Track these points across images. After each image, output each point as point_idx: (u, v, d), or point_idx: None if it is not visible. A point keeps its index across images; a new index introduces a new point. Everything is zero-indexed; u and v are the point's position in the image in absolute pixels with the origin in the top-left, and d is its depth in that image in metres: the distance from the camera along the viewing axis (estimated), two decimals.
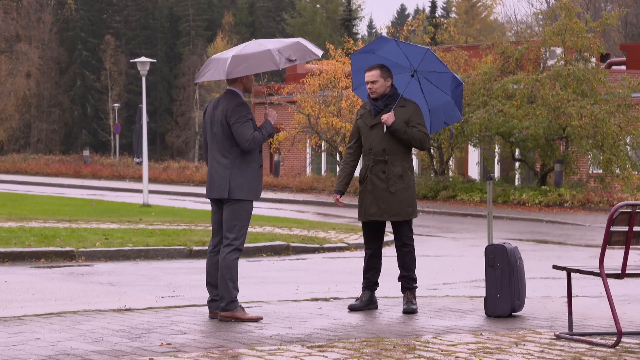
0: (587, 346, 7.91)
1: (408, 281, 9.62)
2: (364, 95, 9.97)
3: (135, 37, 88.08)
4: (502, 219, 25.76)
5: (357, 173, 9.80)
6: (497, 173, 38.34)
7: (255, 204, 9.16)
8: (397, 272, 9.71)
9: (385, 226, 9.75)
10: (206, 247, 15.29)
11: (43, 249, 14.55)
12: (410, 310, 9.45)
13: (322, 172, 45.90)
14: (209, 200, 9.21)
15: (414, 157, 39.13)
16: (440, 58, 9.93)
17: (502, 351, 7.62)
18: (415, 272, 9.69)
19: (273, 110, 9.21)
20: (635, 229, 8.05)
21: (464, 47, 38.26)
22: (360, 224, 9.93)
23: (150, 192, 28.92)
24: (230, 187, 8.91)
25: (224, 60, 8.94)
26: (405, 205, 9.49)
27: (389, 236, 14.50)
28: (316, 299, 10.36)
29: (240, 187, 8.92)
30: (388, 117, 9.43)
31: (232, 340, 7.93)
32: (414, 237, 9.76)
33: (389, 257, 10.70)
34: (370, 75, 9.55)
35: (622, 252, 8.14)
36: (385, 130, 9.45)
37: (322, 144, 42.12)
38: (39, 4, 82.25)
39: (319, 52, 9.19)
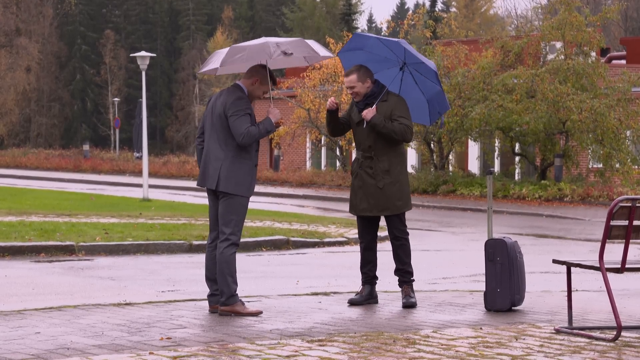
0: (587, 340, 7.92)
1: (404, 274, 9.63)
2: None
3: (135, 31, 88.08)
4: (502, 214, 25.76)
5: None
6: (497, 167, 38.34)
7: (254, 198, 9.17)
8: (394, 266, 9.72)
9: (380, 220, 9.77)
10: (206, 242, 15.29)
11: (43, 243, 14.55)
12: (409, 304, 9.46)
13: (322, 167, 45.90)
14: (206, 194, 9.21)
15: (413, 152, 39.32)
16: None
17: (502, 345, 7.62)
18: (414, 266, 9.70)
19: (276, 109, 9.18)
20: (635, 223, 8.05)
21: (464, 41, 38.25)
22: None
23: (150, 186, 28.93)
24: (220, 178, 8.91)
25: (224, 51, 9.01)
26: (395, 200, 9.51)
27: (384, 231, 14.50)
28: (316, 293, 10.37)
29: (228, 180, 8.90)
30: (367, 112, 9.46)
31: (232, 334, 7.94)
32: (412, 231, 9.76)
33: (389, 251, 10.70)
34: (348, 81, 9.57)
35: (622, 246, 8.14)
36: (365, 125, 9.49)
37: (322, 139, 42.13)
38: None
39: (322, 52, 9.15)
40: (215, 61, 9.08)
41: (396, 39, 9.77)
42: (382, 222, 9.87)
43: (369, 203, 9.53)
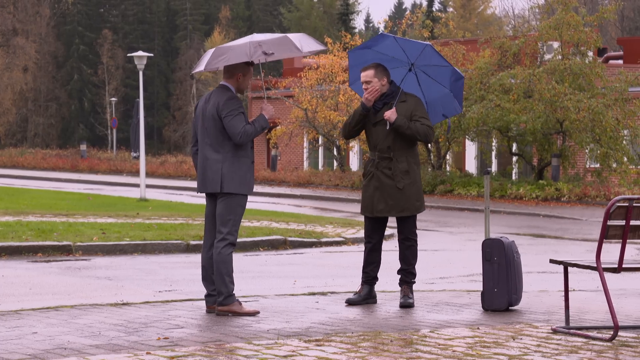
0: (584, 340, 7.92)
1: (407, 275, 9.61)
2: (359, 90, 9.98)
3: (133, 31, 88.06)
4: (499, 213, 25.77)
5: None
6: (494, 167, 38.35)
7: (252, 198, 9.16)
8: (395, 266, 9.71)
9: (388, 220, 9.74)
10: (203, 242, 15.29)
11: (40, 243, 14.55)
12: (407, 304, 9.45)
13: (320, 167, 45.91)
14: (207, 198, 9.18)
15: None
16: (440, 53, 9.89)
17: (499, 345, 7.62)
18: (415, 267, 9.69)
19: (270, 105, 9.19)
20: (632, 223, 8.05)
21: (462, 41, 38.27)
22: (357, 218, 9.95)
23: (148, 186, 28.92)
24: (222, 180, 8.90)
25: (210, 52, 9.00)
26: (414, 200, 9.50)
27: (387, 230, 14.46)
28: (313, 293, 10.37)
29: (232, 180, 8.90)
30: (391, 114, 9.42)
31: (229, 334, 7.94)
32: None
33: (386, 251, 10.70)
34: (364, 76, 9.56)
35: (619, 246, 8.14)
36: (388, 127, 9.45)
37: (320, 139, 42.13)
38: None
39: (307, 49, 9.09)
40: (202, 62, 9.07)
41: (425, 42, 9.76)
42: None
43: (387, 204, 9.47)
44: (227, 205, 8.93)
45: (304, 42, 9.13)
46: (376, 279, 9.74)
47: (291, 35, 9.19)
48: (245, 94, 47.90)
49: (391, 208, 9.47)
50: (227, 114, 8.87)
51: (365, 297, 9.63)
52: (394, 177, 9.46)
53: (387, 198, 9.46)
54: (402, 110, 9.48)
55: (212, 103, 8.99)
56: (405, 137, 9.45)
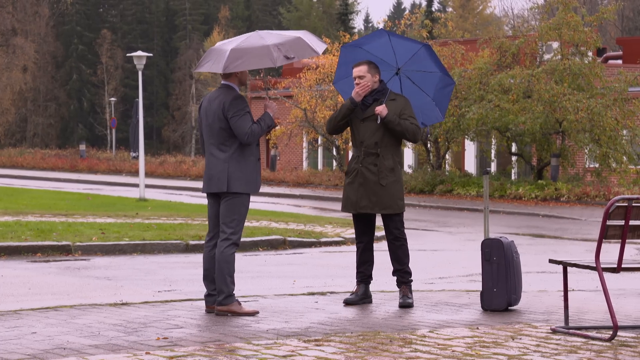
0: (583, 340, 7.92)
1: (403, 275, 9.61)
2: (342, 90, 10.00)
3: (132, 31, 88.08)
4: (498, 213, 25.77)
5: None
6: (493, 167, 38.35)
7: (251, 198, 9.16)
8: (392, 266, 9.70)
9: (376, 219, 9.75)
10: (203, 242, 15.29)
11: (39, 243, 14.55)
12: (406, 304, 9.45)
13: (319, 167, 45.93)
14: (205, 194, 9.18)
15: (410, 151, 39.37)
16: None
17: (498, 345, 7.63)
18: (411, 266, 9.70)
19: (273, 102, 9.18)
20: (632, 223, 8.06)
21: (461, 41, 38.29)
22: None
23: (147, 186, 28.92)
24: (229, 180, 8.89)
25: (224, 53, 8.90)
26: (397, 199, 9.50)
27: (382, 231, 14.46)
28: (313, 293, 10.37)
29: (238, 180, 8.90)
30: (382, 109, 9.44)
31: (229, 334, 7.94)
32: (409, 231, 9.75)
33: (384, 251, 10.69)
34: (358, 70, 9.56)
35: (619, 246, 8.14)
36: (379, 121, 9.46)
37: (319, 139, 42.13)
38: None
39: (320, 50, 9.12)
40: (215, 62, 8.94)
41: (421, 42, 9.75)
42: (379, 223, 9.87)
43: (371, 200, 9.46)
44: (231, 205, 8.92)
45: (314, 42, 9.13)
46: (371, 277, 9.74)
47: (303, 36, 9.15)
48: (245, 94, 47.90)
49: (374, 205, 9.46)
50: (234, 114, 8.87)
51: (362, 297, 9.63)
52: (379, 173, 9.45)
53: (370, 195, 9.46)
54: (392, 108, 9.50)
55: (217, 103, 8.96)
56: (393, 133, 9.46)
